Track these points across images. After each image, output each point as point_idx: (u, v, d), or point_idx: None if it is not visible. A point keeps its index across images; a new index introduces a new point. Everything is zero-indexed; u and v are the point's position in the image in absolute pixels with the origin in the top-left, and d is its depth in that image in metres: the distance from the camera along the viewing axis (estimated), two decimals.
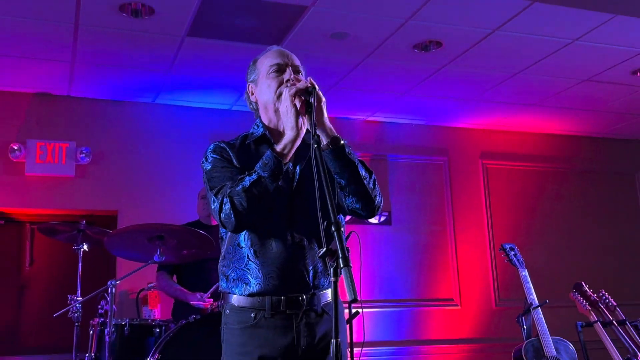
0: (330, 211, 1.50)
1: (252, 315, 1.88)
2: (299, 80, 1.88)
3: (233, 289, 1.95)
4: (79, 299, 3.85)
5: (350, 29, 4.05)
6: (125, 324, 3.71)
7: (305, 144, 1.94)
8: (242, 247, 1.95)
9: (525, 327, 3.79)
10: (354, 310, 4.30)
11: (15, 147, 4.85)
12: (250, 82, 2.12)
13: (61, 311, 3.89)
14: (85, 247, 3.98)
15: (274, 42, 4.16)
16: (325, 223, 1.50)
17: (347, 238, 1.65)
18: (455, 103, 5.48)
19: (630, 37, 4.24)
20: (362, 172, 1.86)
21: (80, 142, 5.01)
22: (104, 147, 5.08)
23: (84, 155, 4.99)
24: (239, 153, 2.00)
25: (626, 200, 6.53)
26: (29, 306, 5.23)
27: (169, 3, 3.70)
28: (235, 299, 1.93)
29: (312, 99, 1.69)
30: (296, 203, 1.95)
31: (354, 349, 4.92)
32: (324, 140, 1.79)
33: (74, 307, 3.82)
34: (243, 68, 4.53)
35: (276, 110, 1.94)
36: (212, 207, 1.85)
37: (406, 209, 5.80)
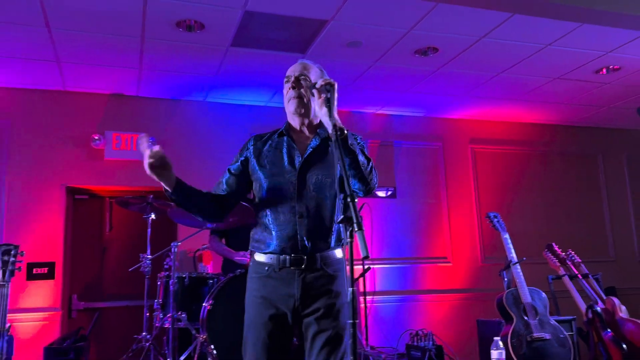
0: (346, 185, 1.58)
1: (265, 268, 2.01)
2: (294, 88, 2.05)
3: (256, 248, 2.08)
4: (149, 257, 4.06)
5: (363, 39, 4.14)
6: (185, 276, 3.83)
7: (304, 142, 2.10)
8: (263, 217, 2.06)
9: (506, 279, 3.92)
10: (366, 266, 4.49)
11: (96, 137, 4.94)
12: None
13: (135, 267, 4.13)
14: (152, 216, 4.14)
15: (300, 50, 4.34)
16: (342, 195, 1.58)
17: (360, 208, 1.82)
18: (448, 98, 5.54)
19: (593, 42, 4.29)
20: (361, 159, 1.87)
21: (148, 132, 4.95)
22: (165, 137, 5.13)
23: (150, 143, 5.13)
24: (263, 144, 2.13)
25: (590, 177, 6.57)
26: (109, 263, 5.36)
27: (217, 20, 3.79)
28: (257, 256, 2.07)
29: (329, 95, 1.76)
30: (300, 185, 2.01)
31: (367, 297, 5.15)
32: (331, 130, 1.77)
33: (145, 264, 4.04)
34: (276, 71, 4.72)
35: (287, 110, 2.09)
36: None
37: (408, 185, 5.89)
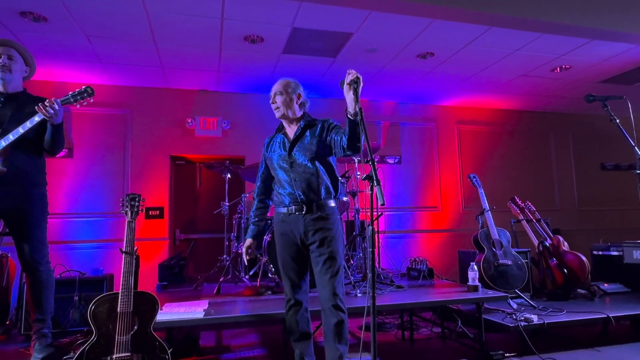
0: (369, 156, 1.72)
1: (281, 216, 2.20)
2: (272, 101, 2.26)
3: (275, 205, 2.27)
4: (226, 203, 4.14)
5: (378, 46, 4.09)
6: (250, 217, 3.97)
7: (291, 129, 2.26)
8: (275, 186, 2.27)
9: (480, 222, 3.92)
10: (380, 212, 4.53)
11: (189, 120, 5.03)
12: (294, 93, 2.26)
13: (217, 210, 4.22)
14: (228, 175, 4.21)
15: (332, 55, 4.30)
16: (371, 162, 1.72)
17: (376, 172, 1.83)
18: (441, 90, 5.45)
19: (550, 48, 4.16)
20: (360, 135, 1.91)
21: (224, 117, 5.16)
22: (236, 120, 5.20)
23: (226, 124, 5.15)
24: (270, 141, 2.37)
25: (544, 148, 6.45)
26: (199, 207, 5.49)
27: (273, 35, 3.80)
28: (276, 210, 2.25)
29: (356, 86, 1.85)
30: (291, 160, 2.19)
31: (380, 234, 5.23)
32: (350, 109, 1.88)
33: (224, 208, 4.13)
34: (314, 71, 4.68)
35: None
36: None
37: (410, 154, 5.86)
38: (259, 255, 3.73)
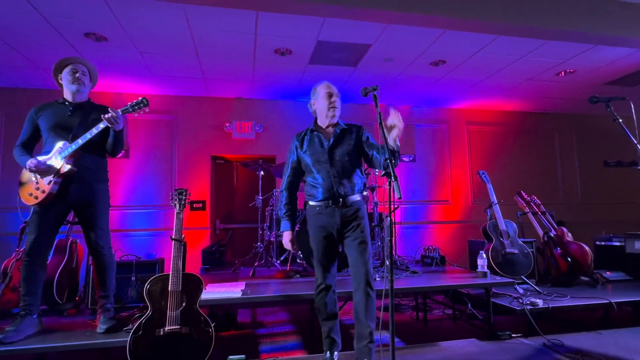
0: (389, 162, 1.76)
1: (317, 209, 2.17)
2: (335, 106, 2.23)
3: (309, 198, 2.22)
4: (260, 197, 4.13)
5: (394, 56, 4.02)
6: (281, 210, 3.97)
7: (327, 131, 2.24)
8: (310, 180, 2.22)
9: (488, 214, 3.82)
10: (397, 205, 4.49)
11: (227, 124, 5.08)
12: (313, 98, 2.30)
13: (252, 203, 4.22)
14: (261, 172, 4.20)
15: (353, 65, 4.24)
16: (388, 161, 1.77)
17: (393, 169, 1.82)
18: (452, 94, 5.31)
19: (555, 53, 3.99)
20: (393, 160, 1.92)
21: (257, 121, 5.18)
22: (268, 123, 5.21)
23: (259, 128, 5.16)
24: (302, 139, 2.29)
25: (547, 146, 6.19)
26: (236, 201, 5.51)
27: (300, 48, 3.78)
28: (310, 202, 2.21)
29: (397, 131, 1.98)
30: (331, 157, 2.17)
31: (397, 225, 5.18)
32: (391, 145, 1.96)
33: (258, 201, 4.11)
34: (336, 79, 4.66)
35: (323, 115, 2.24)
36: None
37: (424, 153, 5.75)
38: None
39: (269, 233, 3.95)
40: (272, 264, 3.75)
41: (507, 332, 2.80)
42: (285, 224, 2.25)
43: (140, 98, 2.37)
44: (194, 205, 4.96)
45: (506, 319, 3.23)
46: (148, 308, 1.95)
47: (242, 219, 5.40)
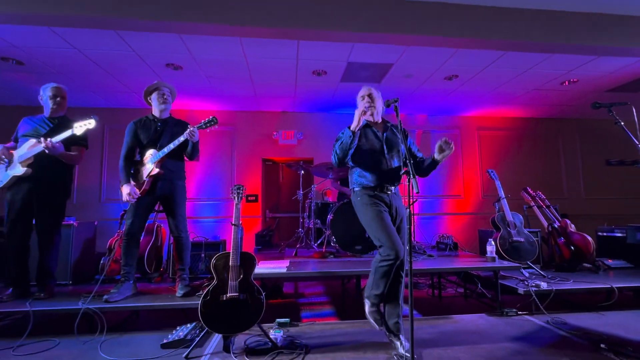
0: (409, 164, 1.71)
1: (372, 192, 2.04)
2: (370, 104, 2.09)
3: (362, 183, 2.07)
4: (301, 192, 4.08)
5: (413, 72, 3.91)
6: (319, 202, 3.86)
7: (381, 125, 2.13)
8: (362, 167, 2.07)
9: (497, 207, 3.63)
10: (415, 199, 4.38)
11: (274, 133, 5.12)
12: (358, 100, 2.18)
13: (294, 197, 4.20)
14: (302, 172, 4.15)
15: (377, 81, 4.15)
16: (409, 161, 1.72)
17: (412, 168, 1.78)
18: (464, 104, 5.07)
19: (559, 65, 3.70)
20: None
21: (298, 130, 5.20)
22: (307, 132, 5.20)
23: (300, 135, 5.17)
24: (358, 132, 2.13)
25: (552, 147, 5.73)
26: (282, 195, 5.52)
27: (333, 69, 3.76)
28: (364, 186, 2.06)
29: (447, 150, 2.01)
30: (385, 149, 2.05)
31: (415, 216, 5.06)
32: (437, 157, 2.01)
33: (299, 195, 4.07)
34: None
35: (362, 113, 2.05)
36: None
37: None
38: (324, 230, 3.79)
39: (308, 221, 3.96)
40: (310, 246, 3.77)
41: (514, 310, 2.66)
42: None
43: (211, 117, 2.45)
44: (249, 198, 5.06)
45: (512, 299, 3.07)
46: (214, 279, 2.02)
47: (286, 209, 5.44)
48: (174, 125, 2.56)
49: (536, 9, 2.97)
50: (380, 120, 2.18)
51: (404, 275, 1.99)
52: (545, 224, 3.61)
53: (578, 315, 2.59)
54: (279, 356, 1.90)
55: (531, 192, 3.80)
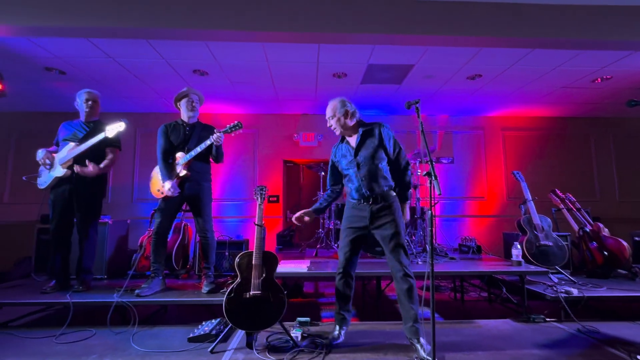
0: (431, 169, 1.65)
1: (352, 204, 2.05)
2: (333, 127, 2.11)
3: (347, 195, 2.11)
4: (321, 193, 4.05)
5: (435, 73, 3.83)
6: (339, 203, 3.84)
7: (353, 140, 2.09)
8: (345, 182, 2.11)
9: (523, 210, 3.49)
10: (436, 200, 4.27)
11: (296, 135, 5.14)
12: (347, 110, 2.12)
13: (315, 197, 4.11)
14: (322, 173, 4.20)
15: (398, 82, 4.09)
16: (430, 163, 1.66)
17: (434, 169, 1.74)
18: (488, 104, 4.89)
19: (591, 62, 3.49)
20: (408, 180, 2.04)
21: (319, 132, 5.18)
22: (327, 134, 5.16)
23: (320, 137, 5.15)
24: (336, 149, 2.18)
25: (583, 149, 5.41)
26: (303, 195, 5.54)
27: (353, 71, 3.75)
28: (348, 199, 2.10)
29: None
30: (357, 163, 2.03)
31: (436, 217, 4.94)
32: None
33: (319, 196, 4.14)
34: (383, 95, 4.54)
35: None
36: None
37: (461, 155, 5.36)
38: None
39: (328, 222, 3.97)
40: (330, 247, 3.77)
41: (541, 316, 2.54)
42: (315, 205, 2.25)
43: (236, 122, 2.51)
44: (270, 199, 5.11)
45: (540, 305, 2.93)
46: (237, 276, 2.06)
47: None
48: (201, 130, 2.65)
49: (568, 4, 2.83)
50: (352, 125, 2.11)
51: (402, 280, 1.91)
52: (576, 227, 3.43)
53: (612, 324, 2.44)
54: (299, 355, 1.92)
55: (560, 194, 3.62)
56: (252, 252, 2.07)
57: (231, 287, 2.00)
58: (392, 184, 2.05)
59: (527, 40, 2.90)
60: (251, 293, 1.98)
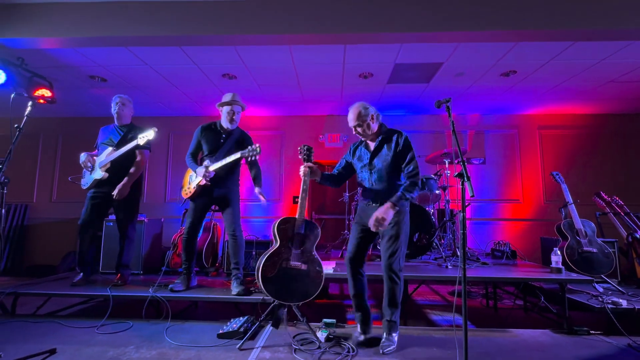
0: (463, 171, 1.59)
1: (363, 204, 2.09)
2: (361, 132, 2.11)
3: (361, 196, 2.15)
4: (347, 194, 4.03)
5: (466, 70, 3.69)
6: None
7: (372, 145, 2.10)
8: (359, 180, 2.15)
9: (563, 214, 3.28)
10: (467, 202, 4.11)
11: (321, 136, 5.17)
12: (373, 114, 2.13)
13: (340, 199, 4.14)
14: None
15: (426, 81, 3.99)
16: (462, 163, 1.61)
17: (466, 170, 1.67)
18: (523, 101, 4.65)
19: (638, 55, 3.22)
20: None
21: (344, 133, 5.18)
22: (352, 135, 5.02)
23: (345, 138, 5.16)
24: (355, 148, 2.21)
25: (632, 149, 4.99)
26: (328, 197, 5.49)
27: (380, 70, 3.70)
28: (361, 198, 2.14)
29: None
30: (372, 167, 2.06)
31: (467, 220, 4.76)
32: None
33: (345, 197, 4.01)
34: (411, 95, 4.45)
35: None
36: None
37: (494, 156, 5.12)
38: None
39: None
40: None
41: (585, 329, 2.35)
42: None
43: (258, 147, 2.44)
44: (295, 200, 5.16)
45: (583, 316, 2.72)
46: (275, 241, 1.98)
47: (332, 211, 5.42)
48: (235, 140, 2.65)
49: None
50: (375, 130, 2.12)
51: (391, 276, 1.93)
52: (624, 233, 3.16)
53: None
54: (325, 355, 1.90)
55: (605, 197, 3.35)
56: (294, 218, 1.98)
57: (269, 253, 1.92)
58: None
59: (567, 33, 2.72)
60: (290, 263, 1.90)
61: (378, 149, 2.09)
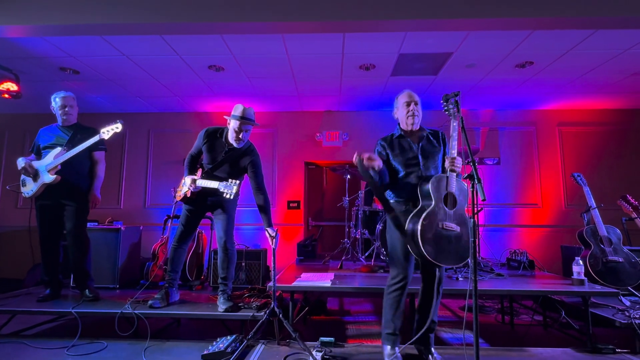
0: (474, 170, 1.59)
1: (401, 202, 2.06)
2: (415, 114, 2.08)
3: (393, 197, 2.10)
4: (347, 198, 4.11)
5: (476, 61, 3.70)
6: (367, 210, 3.88)
7: (419, 135, 2.10)
8: (399, 181, 2.07)
9: (585, 219, 3.29)
10: (480, 207, 4.12)
11: (318, 134, 5.18)
12: (395, 107, 2.19)
13: (339, 204, 4.18)
14: (348, 176, 4.19)
15: (434, 73, 4.01)
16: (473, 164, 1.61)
17: (477, 172, 1.68)
18: (540, 95, 4.67)
19: None
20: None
21: (344, 130, 5.21)
22: (353, 132, 5.18)
23: (345, 136, 5.17)
24: (390, 141, 2.15)
25: None
26: (326, 201, 5.56)
27: (382, 62, 3.72)
28: (394, 198, 2.09)
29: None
30: (423, 159, 2.03)
31: (480, 227, 4.76)
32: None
33: (344, 202, 4.09)
34: (417, 88, 4.49)
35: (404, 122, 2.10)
36: None
37: (509, 155, 5.15)
38: (373, 241, 3.72)
39: (354, 230, 3.94)
40: (357, 259, 3.74)
41: (611, 347, 2.35)
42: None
43: (234, 186, 2.37)
44: (290, 205, 5.17)
45: (608, 332, 2.72)
46: (422, 201, 1.98)
47: (331, 217, 5.46)
48: (235, 158, 2.58)
49: None
50: (418, 128, 2.14)
51: (441, 291, 1.96)
52: None
53: None
54: None
55: (632, 201, 3.37)
56: (445, 176, 1.97)
57: (426, 212, 1.91)
58: None
59: (588, 20, 2.73)
60: (445, 224, 1.90)
61: (428, 143, 2.14)
